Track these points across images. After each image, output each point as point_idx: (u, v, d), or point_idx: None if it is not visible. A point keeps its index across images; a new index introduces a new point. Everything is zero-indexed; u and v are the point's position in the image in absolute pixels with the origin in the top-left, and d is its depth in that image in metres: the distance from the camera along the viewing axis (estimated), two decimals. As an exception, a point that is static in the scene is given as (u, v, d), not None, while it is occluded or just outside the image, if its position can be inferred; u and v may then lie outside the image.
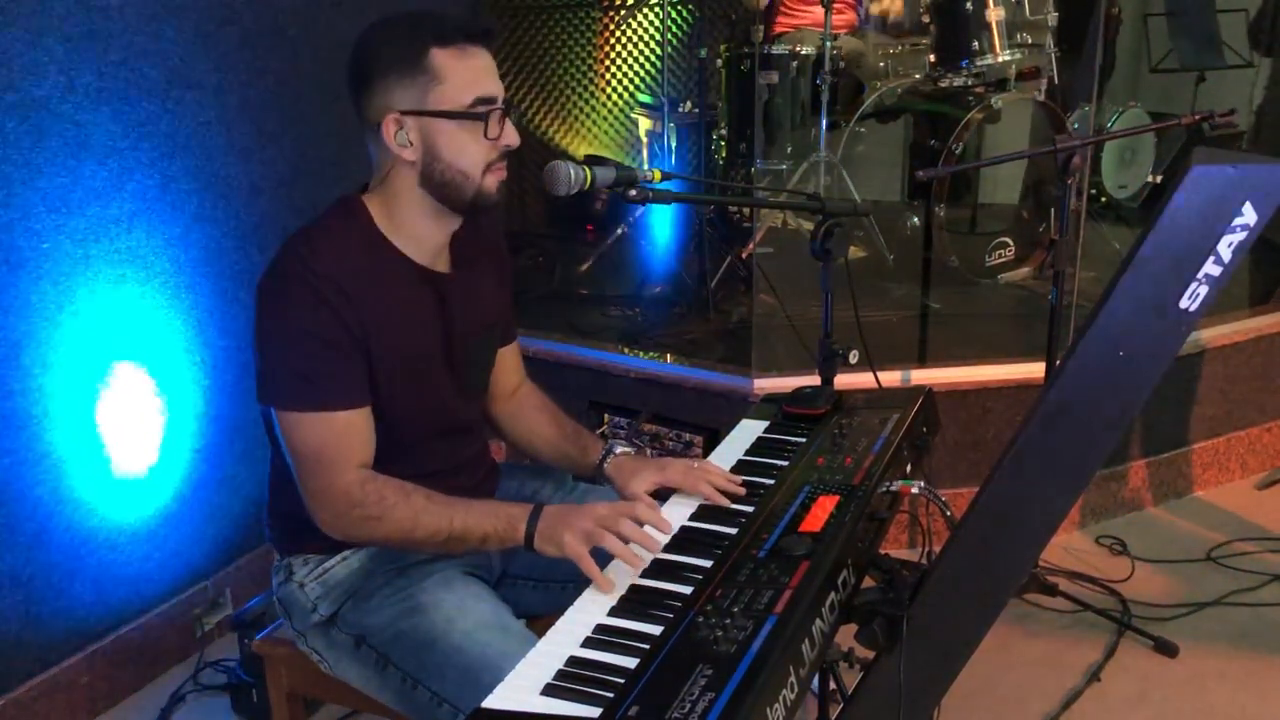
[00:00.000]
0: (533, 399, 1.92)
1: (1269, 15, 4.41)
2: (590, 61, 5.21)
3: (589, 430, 1.87)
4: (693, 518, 1.58)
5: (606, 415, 3.14)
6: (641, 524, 1.47)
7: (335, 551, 1.66)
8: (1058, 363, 2.64)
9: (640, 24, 5.22)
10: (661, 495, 1.67)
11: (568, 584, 1.60)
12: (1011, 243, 3.92)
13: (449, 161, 1.54)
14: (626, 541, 1.44)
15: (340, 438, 1.53)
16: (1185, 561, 2.94)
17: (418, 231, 1.61)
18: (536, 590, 1.79)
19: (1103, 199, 4.39)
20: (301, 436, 1.53)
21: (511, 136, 1.57)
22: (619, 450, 1.76)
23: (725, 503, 1.59)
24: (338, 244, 1.55)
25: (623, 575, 1.42)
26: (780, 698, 1.14)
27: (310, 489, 1.55)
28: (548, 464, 1.89)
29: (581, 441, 1.83)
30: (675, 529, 1.52)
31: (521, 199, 4.98)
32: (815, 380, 2.00)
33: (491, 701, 1.17)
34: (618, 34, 5.21)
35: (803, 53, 4.21)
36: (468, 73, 1.51)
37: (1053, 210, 2.62)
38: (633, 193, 1.67)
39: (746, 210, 4.40)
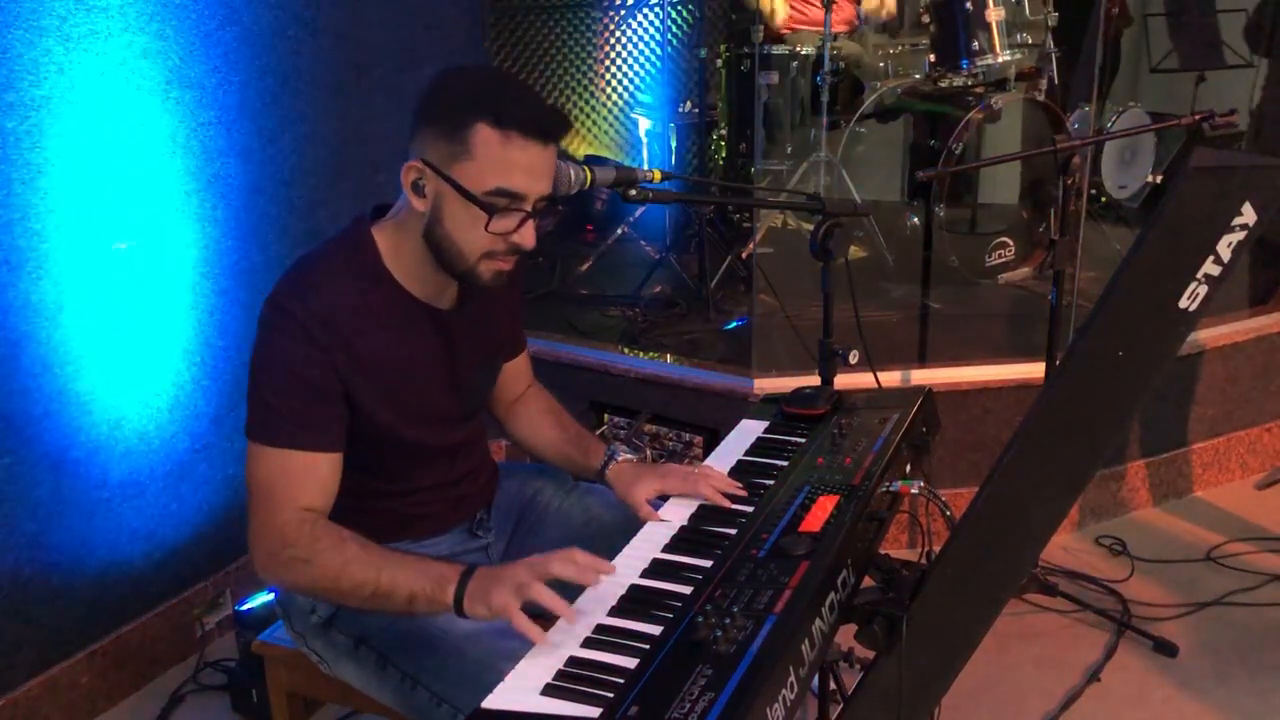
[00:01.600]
0: (538, 401, 1.92)
1: (1268, 15, 4.41)
2: (590, 61, 5.21)
3: (592, 433, 1.87)
4: (692, 518, 1.58)
5: (606, 415, 3.14)
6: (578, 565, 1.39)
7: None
8: (1058, 363, 2.64)
9: (640, 24, 5.22)
10: (661, 496, 1.68)
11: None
12: (1011, 243, 3.93)
13: (448, 231, 1.49)
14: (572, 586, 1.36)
15: (293, 478, 1.49)
16: (1185, 561, 2.94)
17: (422, 273, 1.58)
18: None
19: (1103, 199, 4.39)
20: (257, 469, 1.50)
21: (525, 238, 1.49)
22: (621, 456, 1.75)
23: (726, 504, 1.59)
24: (338, 279, 1.53)
25: (623, 574, 1.42)
26: (780, 698, 1.14)
27: (252, 524, 1.51)
28: (549, 464, 1.89)
29: (584, 444, 1.82)
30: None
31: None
32: (815, 380, 2.00)
33: (491, 702, 1.18)
34: (618, 34, 5.21)
35: (802, 53, 4.21)
36: (501, 161, 1.44)
37: (1053, 210, 2.62)
38: (633, 193, 1.67)
39: (746, 210, 4.40)
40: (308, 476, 1.50)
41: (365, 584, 1.43)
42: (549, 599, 1.32)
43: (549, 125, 1.46)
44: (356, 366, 1.52)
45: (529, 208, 1.48)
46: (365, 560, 1.44)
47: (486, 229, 1.46)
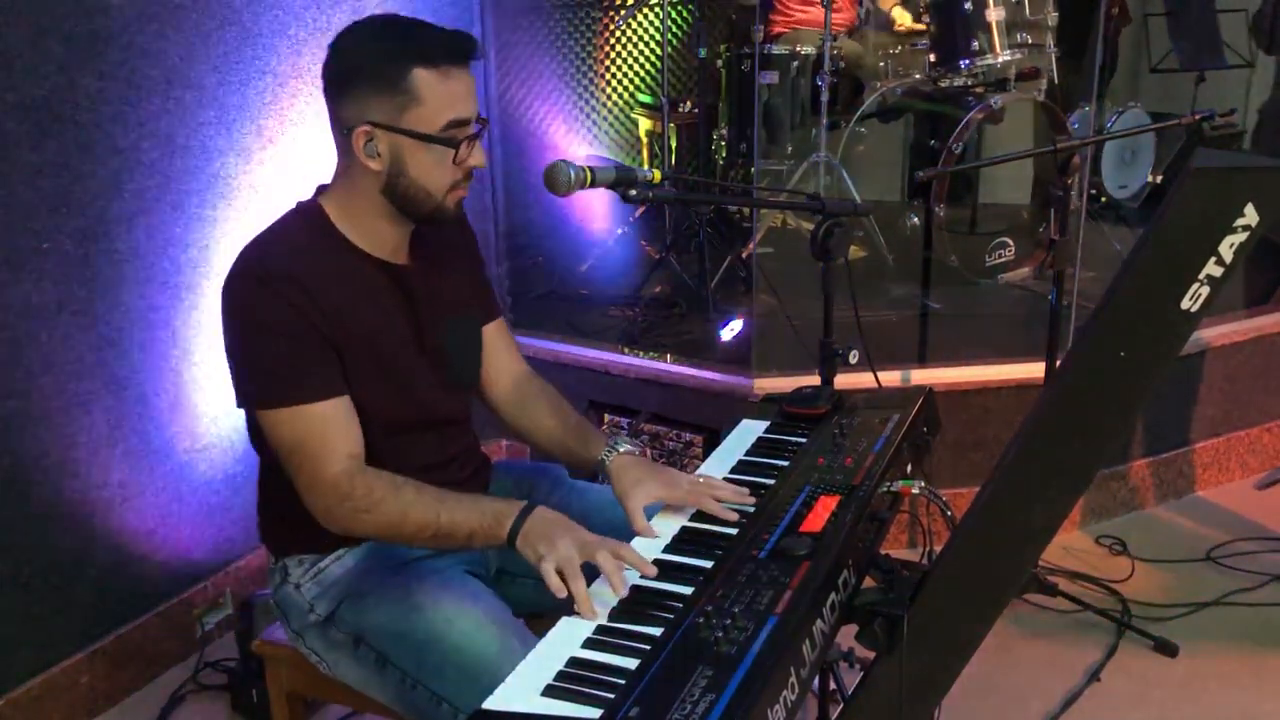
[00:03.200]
0: (534, 385, 1.88)
1: (1269, 13, 4.40)
2: (590, 61, 5.21)
3: (594, 425, 1.85)
4: (693, 518, 1.58)
5: (606, 415, 3.14)
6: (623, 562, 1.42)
7: (330, 551, 1.66)
8: (1059, 363, 2.64)
9: (640, 24, 5.22)
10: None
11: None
12: (1011, 243, 3.93)
13: (414, 178, 1.55)
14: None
15: (319, 429, 1.53)
16: (1185, 561, 2.94)
17: (376, 228, 1.62)
18: (536, 588, 1.78)
19: (1103, 199, 4.39)
20: (282, 433, 1.53)
21: (478, 158, 1.58)
22: (623, 448, 1.70)
23: (733, 517, 1.55)
24: (294, 243, 1.57)
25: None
26: (781, 699, 1.14)
27: (300, 484, 1.55)
28: (548, 456, 1.86)
29: (584, 434, 1.78)
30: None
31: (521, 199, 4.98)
32: (815, 380, 2.00)
33: (492, 702, 1.17)
34: (618, 34, 5.21)
35: (803, 53, 4.21)
36: (446, 96, 1.51)
37: (1053, 210, 2.62)
38: (633, 193, 1.67)
39: (746, 210, 4.40)
40: (330, 424, 1.54)
41: (427, 526, 1.50)
42: (577, 587, 1.36)
43: (468, 47, 1.54)
44: (329, 322, 1.54)
45: (472, 130, 1.55)
46: (424, 504, 1.51)
47: (454, 162, 1.54)
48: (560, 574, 1.39)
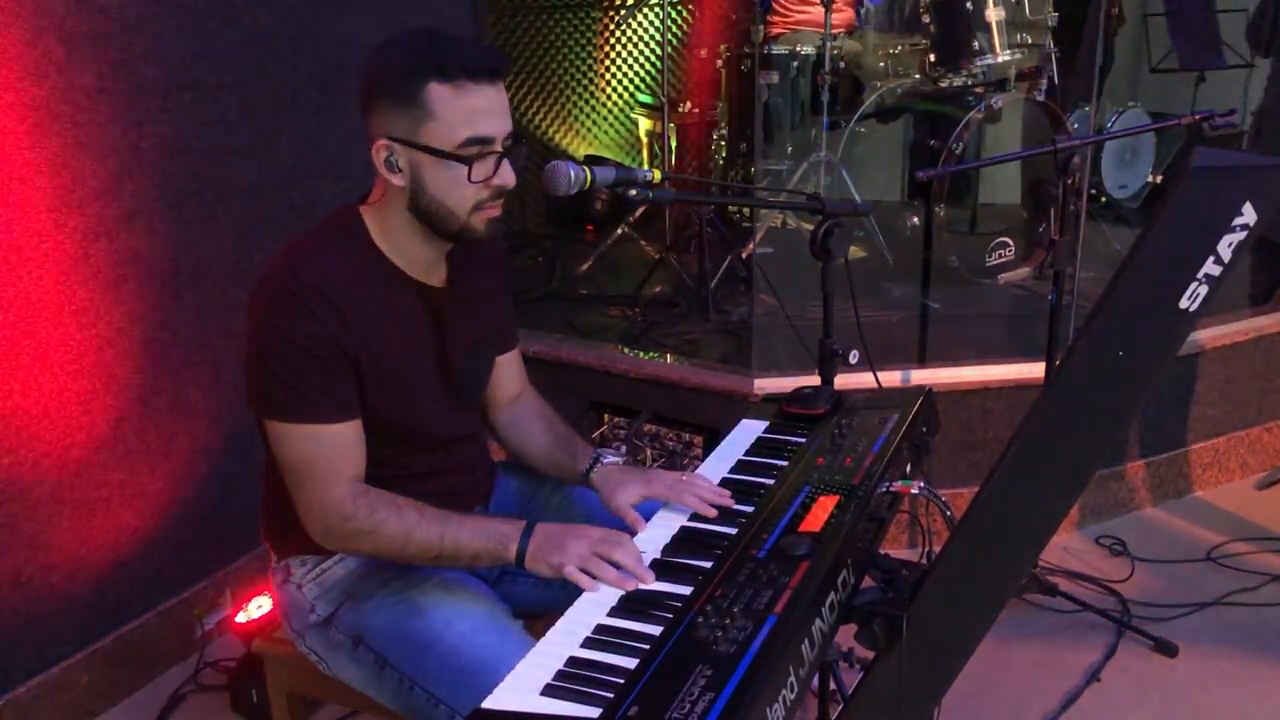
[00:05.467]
0: (530, 407, 1.91)
1: (1269, 15, 4.41)
2: (590, 61, 5.21)
3: (582, 436, 1.86)
4: (692, 518, 1.58)
5: (606, 415, 3.14)
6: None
7: (332, 553, 1.66)
8: (1058, 363, 2.64)
9: (640, 24, 5.22)
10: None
11: (567, 581, 1.61)
12: (1011, 243, 3.93)
13: (434, 195, 1.53)
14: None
15: (330, 450, 1.53)
16: (1185, 561, 2.94)
17: (411, 248, 1.61)
18: (537, 587, 1.79)
19: (1103, 199, 4.39)
20: (292, 448, 1.53)
21: (505, 177, 1.53)
22: (607, 459, 1.74)
23: (712, 513, 1.57)
24: (330, 258, 1.55)
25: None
26: (780, 698, 1.14)
27: (302, 501, 1.55)
28: (539, 471, 1.87)
29: (573, 449, 1.81)
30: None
31: (521, 199, 4.98)
32: (815, 380, 2.00)
33: (491, 702, 1.17)
34: (618, 34, 5.21)
35: (803, 53, 4.22)
36: (462, 112, 1.48)
37: (1053, 210, 2.62)
38: (633, 193, 1.67)
39: (746, 210, 4.40)
40: (341, 447, 1.54)
41: (430, 548, 1.53)
42: (612, 579, 1.40)
43: (492, 63, 1.51)
44: (354, 339, 1.53)
45: (499, 148, 1.52)
46: (427, 526, 1.53)
47: (470, 180, 1.50)
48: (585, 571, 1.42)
